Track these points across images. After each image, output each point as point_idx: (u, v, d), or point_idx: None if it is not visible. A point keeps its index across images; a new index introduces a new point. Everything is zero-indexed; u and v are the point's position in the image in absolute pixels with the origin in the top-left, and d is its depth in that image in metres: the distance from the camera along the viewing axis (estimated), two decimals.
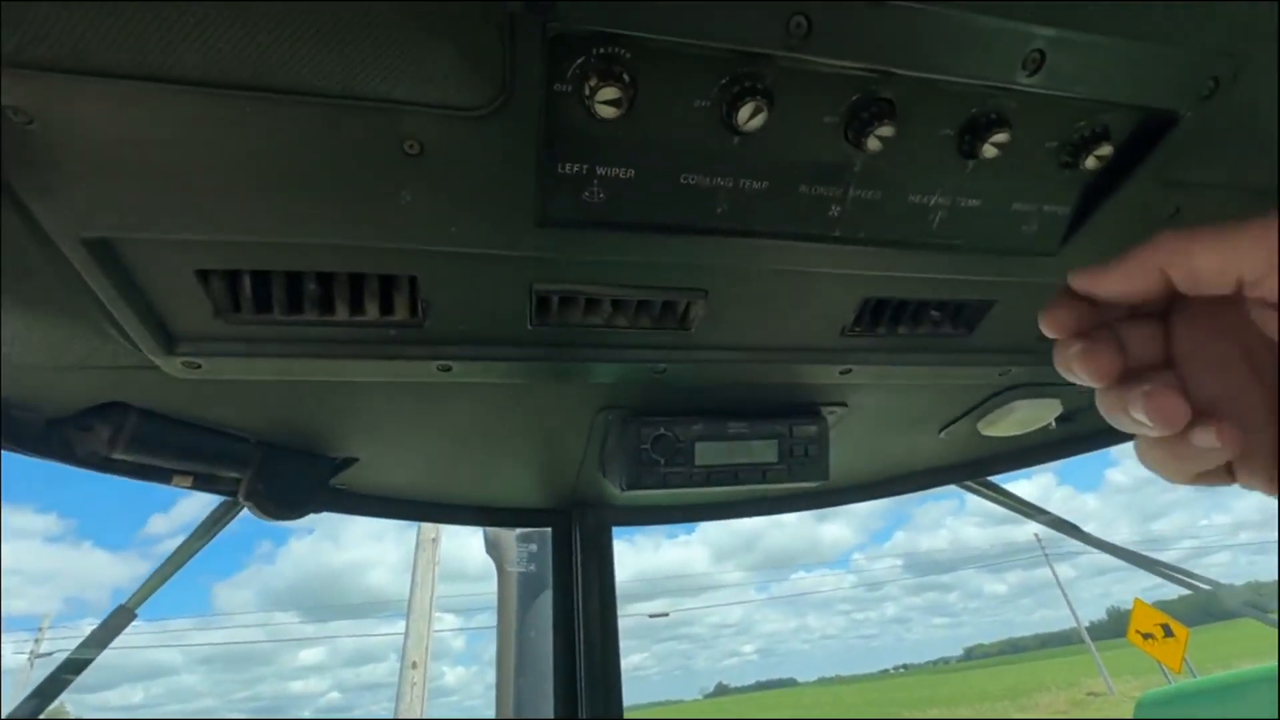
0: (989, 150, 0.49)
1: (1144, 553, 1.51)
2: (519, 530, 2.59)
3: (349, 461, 0.89)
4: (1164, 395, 0.31)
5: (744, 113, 0.45)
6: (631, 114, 0.44)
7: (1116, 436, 1.10)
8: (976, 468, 1.20)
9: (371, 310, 0.59)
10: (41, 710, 0.85)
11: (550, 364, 0.69)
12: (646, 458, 0.80)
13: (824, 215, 0.54)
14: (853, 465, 1.13)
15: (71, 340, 0.58)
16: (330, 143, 0.43)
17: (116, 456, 0.72)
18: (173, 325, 0.58)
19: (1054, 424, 0.99)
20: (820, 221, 0.54)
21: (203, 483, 0.81)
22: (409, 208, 0.48)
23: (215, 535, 0.94)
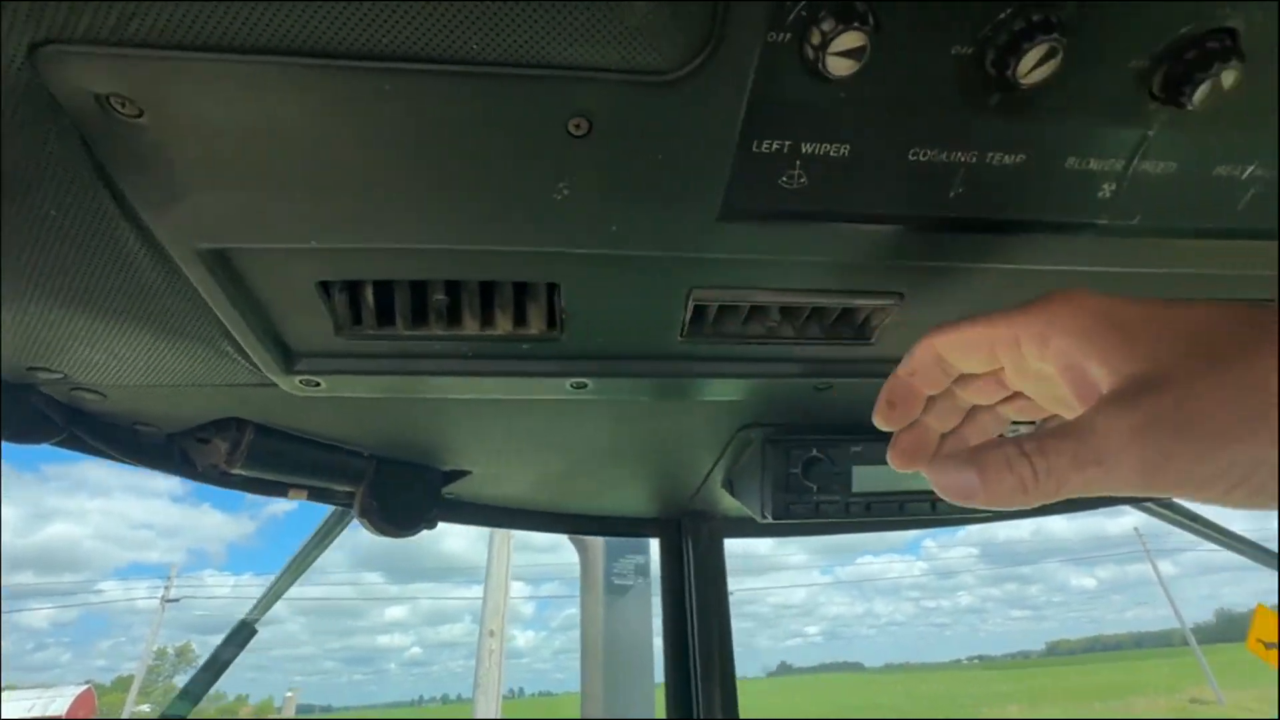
0: None
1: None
2: None
3: (460, 474, 0.83)
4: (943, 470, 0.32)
5: (1030, 58, 0.32)
6: (863, 69, 0.33)
7: None
8: None
9: (503, 323, 0.51)
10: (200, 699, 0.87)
11: (697, 380, 0.59)
12: (796, 483, 0.69)
13: (1093, 197, 0.41)
14: None
15: (189, 360, 0.53)
16: (482, 127, 0.34)
17: (234, 471, 0.69)
18: (292, 342, 0.52)
19: None
20: (1085, 205, 0.41)
21: (317, 495, 0.77)
22: (564, 203, 0.39)
23: (328, 545, 0.92)
